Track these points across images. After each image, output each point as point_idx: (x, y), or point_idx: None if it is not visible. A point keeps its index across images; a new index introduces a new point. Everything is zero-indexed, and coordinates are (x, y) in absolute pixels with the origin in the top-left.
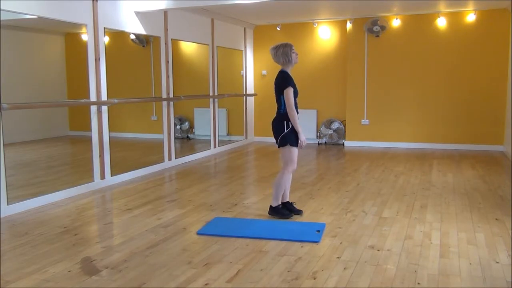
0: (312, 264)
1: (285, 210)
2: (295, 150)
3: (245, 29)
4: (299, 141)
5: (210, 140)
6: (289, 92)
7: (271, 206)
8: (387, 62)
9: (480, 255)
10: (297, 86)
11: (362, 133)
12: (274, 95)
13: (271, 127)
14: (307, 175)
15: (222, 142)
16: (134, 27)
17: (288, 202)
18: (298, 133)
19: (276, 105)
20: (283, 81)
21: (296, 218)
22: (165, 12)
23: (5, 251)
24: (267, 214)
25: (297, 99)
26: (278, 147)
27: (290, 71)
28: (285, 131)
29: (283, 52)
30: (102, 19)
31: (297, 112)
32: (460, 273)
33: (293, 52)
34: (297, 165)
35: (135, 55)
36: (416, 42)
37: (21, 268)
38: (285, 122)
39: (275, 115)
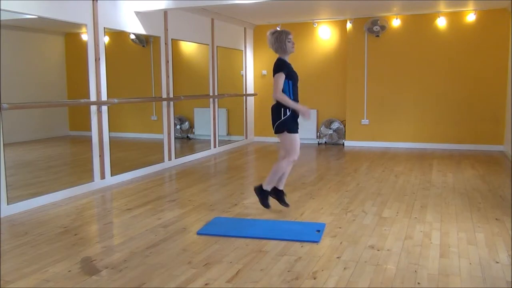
0: (312, 264)
1: (268, 201)
2: (295, 137)
3: (245, 29)
4: (303, 111)
5: (210, 140)
6: (279, 77)
7: (261, 186)
8: (387, 62)
9: (480, 255)
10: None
11: (362, 133)
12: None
13: (270, 121)
14: (307, 175)
15: (222, 142)
16: (134, 27)
17: (281, 191)
18: (296, 109)
19: None
20: (277, 67)
21: (296, 218)
22: (165, 12)
23: (5, 251)
24: (265, 209)
25: (297, 84)
26: (275, 133)
27: (287, 58)
28: (282, 118)
29: (277, 39)
30: (102, 19)
31: (297, 100)
32: (460, 273)
33: (288, 41)
34: (297, 163)
35: (135, 55)
36: (416, 42)
37: (21, 268)
38: (282, 109)
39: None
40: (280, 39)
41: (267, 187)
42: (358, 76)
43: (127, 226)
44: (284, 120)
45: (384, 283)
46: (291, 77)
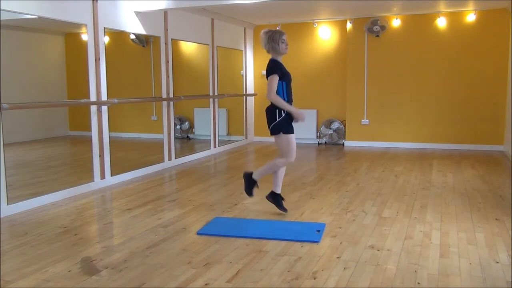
0: (312, 264)
1: (252, 190)
2: (291, 138)
3: (245, 29)
4: (297, 114)
5: (210, 140)
6: (273, 79)
7: (251, 174)
8: (387, 62)
9: (480, 255)
10: (294, 85)
11: (362, 133)
12: None
13: (266, 122)
14: (307, 175)
15: (222, 142)
16: (134, 27)
17: (279, 195)
18: (290, 111)
19: None
20: (271, 69)
21: (296, 218)
22: (165, 12)
23: (5, 251)
24: (265, 209)
25: (291, 84)
26: (271, 134)
27: (280, 59)
28: (277, 119)
29: (271, 38)
30: (102, 19)
31: (291, 101)
32: (460, 273)
33: (282, 42)
34: (297, 163)
35: (135, 55)
36: (416, 42)
37: (21, 268)
38: (277, 110)
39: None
40: (273, 39)
41: (256, 177)
42: (358, 76)
43: (127, 226)
44: (279, 122)
45: (384, 283)
46: (285, 78)
